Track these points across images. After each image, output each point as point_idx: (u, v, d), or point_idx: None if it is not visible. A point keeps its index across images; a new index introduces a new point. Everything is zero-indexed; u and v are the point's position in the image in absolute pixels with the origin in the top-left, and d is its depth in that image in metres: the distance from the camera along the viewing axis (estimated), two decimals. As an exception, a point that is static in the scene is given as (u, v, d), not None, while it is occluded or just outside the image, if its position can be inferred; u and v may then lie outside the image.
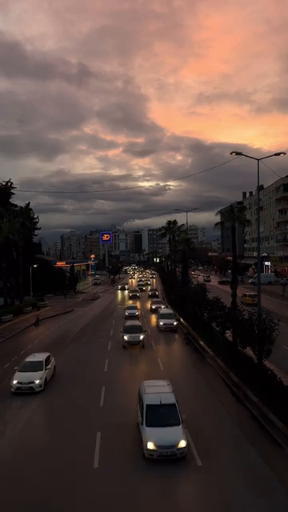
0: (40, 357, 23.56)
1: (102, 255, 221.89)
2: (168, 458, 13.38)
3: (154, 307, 51.62)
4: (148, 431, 13.93)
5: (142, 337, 31.28)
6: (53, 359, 24.51)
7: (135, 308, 49.17)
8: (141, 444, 14.10)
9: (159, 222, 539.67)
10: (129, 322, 35.02)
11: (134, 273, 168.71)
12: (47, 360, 23.42)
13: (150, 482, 12.52)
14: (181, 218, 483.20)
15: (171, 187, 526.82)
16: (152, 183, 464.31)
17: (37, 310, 59.09)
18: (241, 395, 19.89)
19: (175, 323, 38.58)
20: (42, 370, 22.10)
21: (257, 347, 20.39)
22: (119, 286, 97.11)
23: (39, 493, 12.11)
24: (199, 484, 12.41)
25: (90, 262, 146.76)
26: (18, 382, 21.15)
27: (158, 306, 50.87)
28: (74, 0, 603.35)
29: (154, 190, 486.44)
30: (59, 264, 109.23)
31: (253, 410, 17.95)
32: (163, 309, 45.82)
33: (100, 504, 11.51)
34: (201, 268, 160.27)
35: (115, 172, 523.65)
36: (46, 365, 22.86)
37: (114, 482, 12.57)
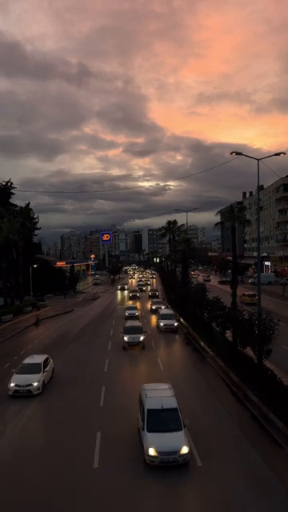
0: (38, 359, 23.13)
1: (102, 255, 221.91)
2: (170, 464, 13.06)
3: (154, 307, 51.36)
4: (149, 437, 13.58)
5: (142, 338, 31.06)
6: (51, 361, 24.07)
7: (135, 308, 48.87)
8: (141, 449, 13.77)
9: (159, 221, 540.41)
10: (129, 323, 34.74)
11: (134, 273, 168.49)
12: (45, 362, 23.02)
13: (150, 482, 12.51)
14: (181, 218, 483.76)
15: (171, 187, 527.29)
16: (152, 183, 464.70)
17: (37, 309, 59.08)
18: (241, 395, 19.89)
19: (176, 324, 38.37)
20: (40, 372, 21.65)
21: (257, 347, 20.40)
22: (119, 287, 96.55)
23: (39, 493, 12.10)
24: (199, 484, 12.41)
25: (90, 262, 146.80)
26: (16, 385, 20.70)
27: (159, 306, 50.63)
28: (73, 0, 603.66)
29: (154, 189, 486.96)
30: (59, 264, 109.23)
31: (253, 409, 17.96)
32: (163, 309, 45.56)
33: (100, 504, 11.50)
34: (201, 268, 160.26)
35: (115, 172, 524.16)
36: (45, 367, 22.44)
37: (114, 481, 12.57)
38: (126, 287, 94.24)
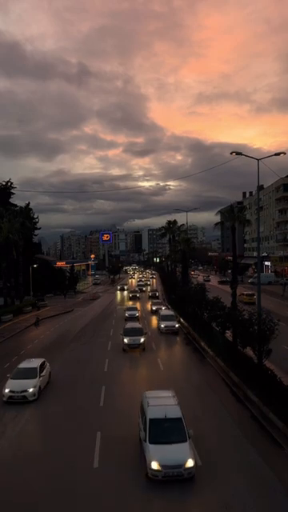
0: (34, 363, 22.19)
1: (102, 255, 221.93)
2: (174, 478, 12.24)
3: (154, 308, 50.81)
4: (152, 449, 12.72)
5: (142, 339, 30.45)
6: (48, 365, 23.10)
7: (135, 309, 48.30)
8: (143, 461, 12.95)
9: (159, 221, 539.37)
10: (129, 324, 34.08)
11: (133, 273, 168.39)
12: (42, 366, 22.07)
13: (150, 482, 12.51)
14: (181, 218, 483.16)
15: (171, 187, 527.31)
16: (152, 183, 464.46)
17: (37, 309, 59.11)
18: (241, 395, 19.89)
19: (177, 325, 37.81)
20: (36, 377, 20.71)
21: (257, 347, 20.41)
22: (118, 287, 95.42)
23: (39, 493, 12.09)
24: (199, 484, 12.39)
25: (89, 262, 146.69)
26: (10, 391, 19.80)
27: (159, 307, 50.16)
28: (73, 0, 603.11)
29: (154, 189, 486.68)
30: (59, 264, 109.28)
31: (253, 409, 17.95)
32: (164, 310, 45.01)
33: (100, 504, 11.50)
34: (201, 268, 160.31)
35: (115, 172, 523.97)
36: (41, 371, 21.50)
37: (115, 481, 12.56)
38: (125, 287, 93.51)
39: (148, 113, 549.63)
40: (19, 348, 33.12)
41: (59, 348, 32.65)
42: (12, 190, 74.65)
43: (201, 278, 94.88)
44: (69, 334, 39.59)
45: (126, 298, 73.09)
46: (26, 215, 71.53)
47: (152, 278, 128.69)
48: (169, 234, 72.71)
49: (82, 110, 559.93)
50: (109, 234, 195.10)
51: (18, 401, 19.64)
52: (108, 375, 24.37)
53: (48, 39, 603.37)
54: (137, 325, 33.83)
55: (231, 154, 27.11)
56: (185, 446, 12.85)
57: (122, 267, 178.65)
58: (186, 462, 12.33)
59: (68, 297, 77.31)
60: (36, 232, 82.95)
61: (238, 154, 27.26)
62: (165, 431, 13.23)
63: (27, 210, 76.95)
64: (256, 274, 57.67)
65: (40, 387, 20.74)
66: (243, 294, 53.04)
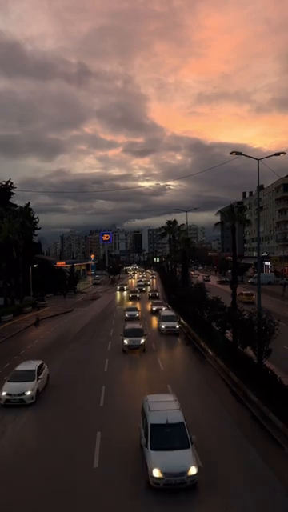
0: (32, 365, 21.66)
1: (102, 255, 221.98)
2: (176, 486, 11.83)
3: (154, 309, 50.16)
4: (153, 456, 12.27)
5: (142, 341, 30.06)
6: (46, 367, 22.62)
7: (135, 309, 47.98)
8: (144, 468, 12.57)
9: (159, 221, 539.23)
10: (129, 325, 33.50)
11: (133, 273, 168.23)
12: (40, 369, 21.56)
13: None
14: (181, 218, 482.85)
15: (171, 187, 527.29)
16: (152, 183, 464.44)
17: (37, 309, 59.12)
18: (241, 395, 19.90)
19: (177, 326, 37.26)
20: (33, 380, 20.21)
21: (257, 347, 20.41)
22: (118, 287, 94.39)
23: (39, 493, 12.09)
24: (199, 484, 12.38)
25: (89, 262, 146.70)
26: (8, 394, 19.31)
27: (159, 307, 49.65)
28: (73, 0, 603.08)
29: (154, 189, 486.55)
30: (59, 264, 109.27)
31: (253, 409, 17.96)
32: (164, 311, 44.42)
33: (100, 504, 11.50)
34: (201, 268, 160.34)
35: (115, 172, 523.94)
36: (39, 374, 20.99)
37: (115, 481, 12.56)
38: (125, 288, 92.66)
39: (148, 113, 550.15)
40: (19, 348, 33.13)
41: (59, 348, 32.66)
42: (12, 190, 74.69)
43: (201, 278, 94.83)
44: (69, 334, 39.59)
45: (125, 299, 72.87)
46: (26, 215, 71.55)
47: (152, 278, 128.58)
48: (169, 234, 72.69)
49: (82, 110, 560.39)
50: (109, 233, 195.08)
51: (16, 404, 19.19)
52: (108, 375, 24.37)
53: (48, 39, 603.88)
54: (137, 325, 33.36)
55: (231, 153, 27.10)
56: (187, 453, 12.43)
57: (122, 267, 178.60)
58: (188, 469, 11.90)
59: (68, 297, 77.33)
60: (36, 232, 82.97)
61: (238, 153, 27.24)
62: (167, 437, 12.82)
63: (27, 210, 76.97)
64: (256, 274, 57.71)
65: (38, 390, 20.30)
66: (242, 294, 53.04)
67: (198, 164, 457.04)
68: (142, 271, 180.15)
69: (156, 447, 12.53)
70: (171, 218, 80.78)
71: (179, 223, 72.28)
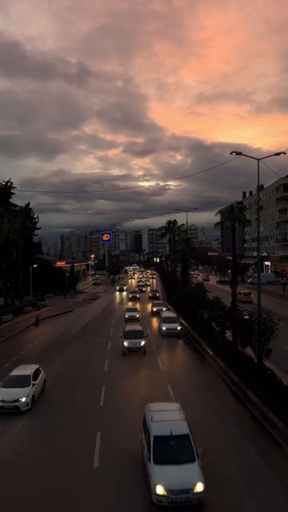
0: (27, 370, 20.69)
1: (102, 255, 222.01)
2: (182, 505, 10.94)
3: (155, 309, 49.51)
4: (156, 470, 11.41)
5: (143, 343, 29.39)
6: (42, 372, 21.69)
7: (135, 310, 47.72)
8: (145, 483, 11.82)
9: (159, 221, 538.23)
10: (129, 327, 32.89)
11: (134, 273, 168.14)
12: (35, 373, 20.60)
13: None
14: (181, 218, 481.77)
15: (171, 187, 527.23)
16: (152, 183, 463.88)
17: (37, 309, 59.13)
18: (241, 395, 19.90)
19: (179, 328, 36.30)
20: (29, 385, 19.32)
21: (257, 347, 20.42)
22: (117, 287, 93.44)
23: (39, 493, 12.09)
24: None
25: (89, 262, 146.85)
26: (2, 401, 18.47)
27: (160, 308, 49.07)
28: (73, 0, 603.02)
29: (154, 189, 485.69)
30: (59, 264, 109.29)
31: (253, 409, 17.97)
32: (165, 312, 43.77)
33: (100, 503, 11.50)
34: (201, 268, 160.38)
35: (115, 172, 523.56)
36: (34, 379, 20.07)
37: (115, 481, 12.56)
38: (124, 288, 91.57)
39: (148, 113, 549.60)
40: (19, 348, 33.14)
41: (59, 348, 32.67)
42: (12, 190, 74.70)
43: (200, 278, 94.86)
44: (69, 334, 39.60)
45: (125, 299, 72.61)
46: (26, 215, 71.53)
47: (152, 277, 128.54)
48: (169, 234, 72.69)
49: (82, 110, 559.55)
50: (109, 233, 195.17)
51: (10, 411, 18.33)
52: (108, 375, 24.38)
53: (48, 39, 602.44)
54: (137, 327, 32.79)
55: (231, 153, 27.11)
56: (193, 468, 11.53)
57: (123, 267, 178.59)
58: (194, 485, 10.99)
59: (68, 297, 77.34)
60: (36, 232, 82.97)
61: (238, 153, 27.25)
62: (171, 450, 12.02)
63: (27, 209, 76.96)
64: (255, 274, 57.71)
65: (34, 396, 19.42)
66: (240, 293, 52.92)
67: (197, 164, 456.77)
68: (142, 271, 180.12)
69: (159, 461, 11.67)
70: (171, 217, 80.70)
71: (179, 223, 72.37)
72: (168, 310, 49.17)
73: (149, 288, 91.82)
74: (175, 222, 72.54)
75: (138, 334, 30.39)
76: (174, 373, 25.07)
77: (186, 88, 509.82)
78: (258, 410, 17.77)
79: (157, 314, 46.38)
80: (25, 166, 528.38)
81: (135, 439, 14.67)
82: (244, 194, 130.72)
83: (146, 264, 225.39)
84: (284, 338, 22.32)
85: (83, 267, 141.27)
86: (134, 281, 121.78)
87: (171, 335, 35.48)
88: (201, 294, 35.22)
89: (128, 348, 29.22)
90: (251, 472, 12.91)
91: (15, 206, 73.73)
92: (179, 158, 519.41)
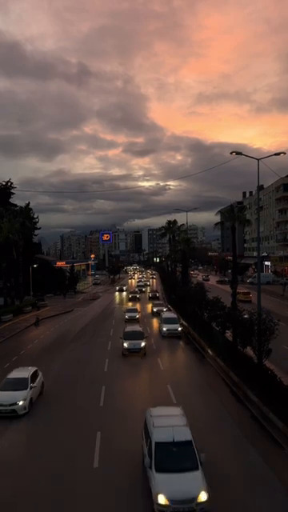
0: (25, 373, 20.17)
1: (102, 255, 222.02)
2: None
3: (155, 310, 48.95)
4: (158, 479, 10.96)
5: (143, 344, 29.07)
6: (40, 374, 21.18)
7: (135, 311, 47.44)
8: (145, 490, 11.49)
9: (159, 221, 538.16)
10: (129, 328, 32.48)
11: (134, 273, 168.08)
12: (33, 376, 20.10)
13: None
14: (181, 218, 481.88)
15: (171, 187, 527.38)
16: (152, 183, 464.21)
17: (37, 309, 59.13)
18: (241, 395, 19.90)
19: (180, 329, 35.83)
20: (26, 388, 18.87)
21: (257, 347, 20.42)
22: (117, 288, 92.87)
23: (39, 493, 12.08)
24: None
25: (89, 262, 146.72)
26: None
27: (160, 308, 48.61)
28: (73, 0, 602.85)
29: (153, 189, 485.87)
30: (59, 264, 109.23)
31: (253, 409, 17.97)
32: (166, 313, 43.22)
33: (100, 504, 11.50)
34: (201, 268, 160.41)
35: (115, 172, 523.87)
36: (32, 382, 19.60)
37: (115, 481, 12.55)
38: (124, 288, 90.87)
39: (148, 113, 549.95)
40: (19, 348, 33.14)
41: (59, 348, 32.67)
42: (12, 190, 74.68)
43: (200, 278, 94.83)
44: (69, 333, 39.60)
45: (125, 300, 72.37)
46: (26, 215, 71.52)
47: (152, 278, 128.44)
48: (169, 234, 72.67)
49: (82, 110, 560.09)
50: (109, 233, 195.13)
51: (7, 415, 17.85)
52: (108, 375, 24.38)
53: (48, 39, 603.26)
54: (137, 328, 32.39)
55: (231, 153, 27.10)
56: (196, 476, 11.07)
57: (123, 267, 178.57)
58: (198, 495, 10.54)
59: (68, 297, 77.35)
60: (36, 232, 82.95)
61: (238, 153, 27.25)
62: (173, 457, 11.57)
63: (27, 209, 76.96)
64: (255, 274, 57.73)
65: (31, 399, 18.96)
66: (239, 293, 52.87)
67: (198, 164, 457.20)
68: (142, 271, 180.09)
69: (161, 469, 11.21)
70: (171, 217, 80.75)
71: (179, 223, 72.30)
72: (168, 310, 48.94)
73: (149, 288, 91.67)
74: (175, 222, 72.53)
75: (138, 335, 30.06)
76: (174, 373, 25.07)
77: (185, 88, 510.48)
78: (257, 409, 17.77)
79: (157, 314, 46.09)
80: (25, 165, 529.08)
81: (135, 439, 14.66)
82: (244, 194, 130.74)
83: (146, 264, 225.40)
84: (284, 338, 22.31)
85: (83, 267, 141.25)
86: (133, 281, 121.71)
87: (172, 336, 35.18)
88: (201, 293, 35.20)
89: (128, 349, 28.93)
90: (251, 472, 12.92)
91: (15, 205, 73.72)
92: (179, 157, 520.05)
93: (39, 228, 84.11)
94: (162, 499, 10.56)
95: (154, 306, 52.16)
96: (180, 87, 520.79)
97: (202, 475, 11.12)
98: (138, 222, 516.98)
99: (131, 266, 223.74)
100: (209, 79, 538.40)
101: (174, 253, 71.34)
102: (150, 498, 11.03)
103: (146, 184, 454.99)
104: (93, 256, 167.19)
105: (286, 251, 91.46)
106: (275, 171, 39.67)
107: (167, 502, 10.50)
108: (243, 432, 15.85)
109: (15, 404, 18.02)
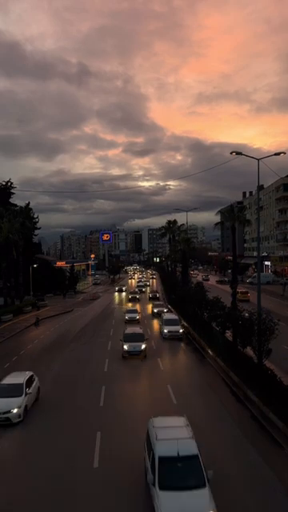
0: (20, 378, 19.16)
1: (102, 255, 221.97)
2: None
3: (155, 311, 48.37)
4: (162, 497, 10.03)
5: (143, 346, 28.53)
6: (36, 379, 20.19)
7: (135, 312, 46.99)
8: (147, 504, 10.93)
9: (159, 221, 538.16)
10: (129, 329, 31.90)
11: (134, 273, 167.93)
12: (29, 382, 19.09)
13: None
14: (181, 218, 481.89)
15: (171, 187, 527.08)
16: (152, 183, 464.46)
17: (37, 309, 59.12)
18: (241, 395, 19.90)
19: (181, 330, 35.11)
20: (21, 395, 17.94)
21: (257, 347, 20.42)
22: (117, 288, 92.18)
23: (39, 493, 12.08)
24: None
25: (89, 262, 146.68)
26: None
27: (161, 309, 48.13)
28: (73, 0, 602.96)
29: (153, 189, 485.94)
30: (59, 264, 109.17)
31: (253, 409, 17.97)
32: (167, 314, 42.58)
33: (100, 504, 11.49)
34: (201, 268, 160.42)
35: (115, 172, 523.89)
36: (27, 388, 18.63)
37: (115, 481, 12.55)
38: (124, 289, 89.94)
39: (148, 113, 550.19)
40: (19, 348, 33.13)
41: (59, 348, 32.66)
42: (12, 190, 74.67)
43: (200, 278, 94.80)
44: (69, 333, 39.59)
45: (124, 300, 71.93)
46: (26, 215, 71.51)
47: (152, 278, 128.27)
48: (169, 234, 72.62)
49: (82, 110, 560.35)
50: (109, 233, 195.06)
51: (0, 423, 17.00)
52: (108, 375, 24.37)
53: (48, 39, 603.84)
54: (137, 330, 31.81)
55: (231, 153, 27.10)
56: (203, 494, 10.15)
57: (123, 267, 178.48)
58: None
59: (68, 297, 77.33)
60: (36, 232, 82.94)
61: (238, 153, 27.24)
62: (178, 473, 10.68)
63: (27, 209, 76.94)
64: (255, 274, 57.73)
65: (26, 406, 18.05)
66: (238, 292, 52.90)
67: (197, 164, 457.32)
68: (142, 271, 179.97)
69: (165, 486, 10.30)
70: (171, 217, 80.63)
71: (179, 223, 72.20)
72: (169, 311, 48.64)
73: (149, 288, 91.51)
74: (175, 221, 72.47)
75: (139, 337, 29.47)
76: (174, 373, 25.07)
77: (185, 88, 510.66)
78: (257, 409, 17.77)
79: (157, 315, 45.53)
80: (25, 166, 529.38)
81: (135, 439, 14.68)
82: (244, 193, 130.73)
83: (146, 264, 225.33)
84: (284, 338, 22.31)
85: (83, 267, 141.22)
86: (133, 281, 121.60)
87: (173, 338, 34.48)
88: (201, 293, 35.18)
89: (128, 351, 28.41)
90: (251, 472, 12.92)
91: (15, 205, 73.71)
92: (179, 157, 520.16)
93: (39, 228, 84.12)
94: None
95: (155, 306, 51.62)
96: (180, 87, 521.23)
97: (210, 493, 10.22)
98: (138, 222, 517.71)
99: (131, 265, 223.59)
100: (209, 79, 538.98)
101: (174, 253, 71.31)
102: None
103: (145, 184, 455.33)
104: (93, 256, 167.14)
105: (286, 251, 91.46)
106: (275, 171, 39.73)
107: None
108: (243, 432, 15.84)
109: (9, 412, 17.10)
